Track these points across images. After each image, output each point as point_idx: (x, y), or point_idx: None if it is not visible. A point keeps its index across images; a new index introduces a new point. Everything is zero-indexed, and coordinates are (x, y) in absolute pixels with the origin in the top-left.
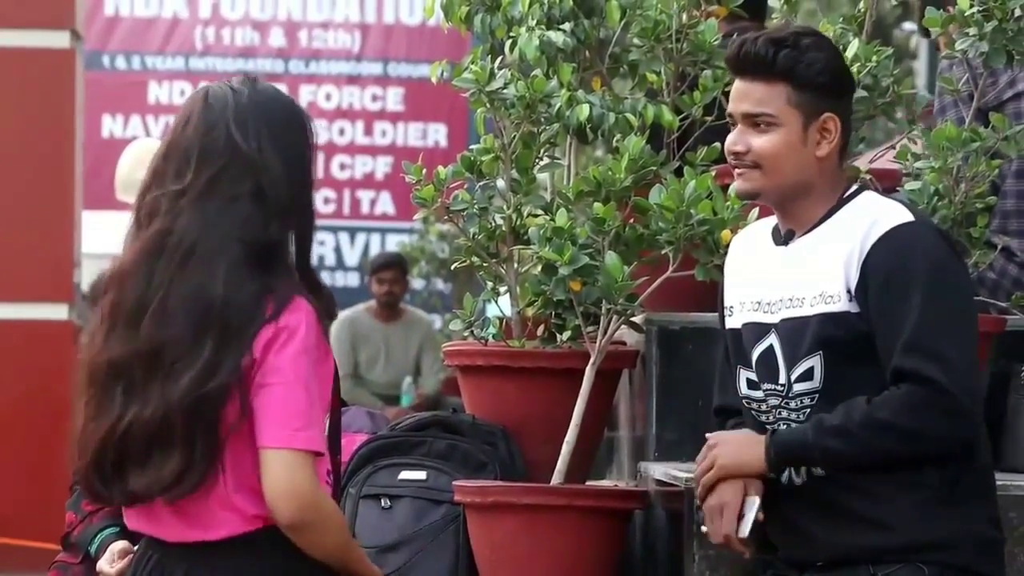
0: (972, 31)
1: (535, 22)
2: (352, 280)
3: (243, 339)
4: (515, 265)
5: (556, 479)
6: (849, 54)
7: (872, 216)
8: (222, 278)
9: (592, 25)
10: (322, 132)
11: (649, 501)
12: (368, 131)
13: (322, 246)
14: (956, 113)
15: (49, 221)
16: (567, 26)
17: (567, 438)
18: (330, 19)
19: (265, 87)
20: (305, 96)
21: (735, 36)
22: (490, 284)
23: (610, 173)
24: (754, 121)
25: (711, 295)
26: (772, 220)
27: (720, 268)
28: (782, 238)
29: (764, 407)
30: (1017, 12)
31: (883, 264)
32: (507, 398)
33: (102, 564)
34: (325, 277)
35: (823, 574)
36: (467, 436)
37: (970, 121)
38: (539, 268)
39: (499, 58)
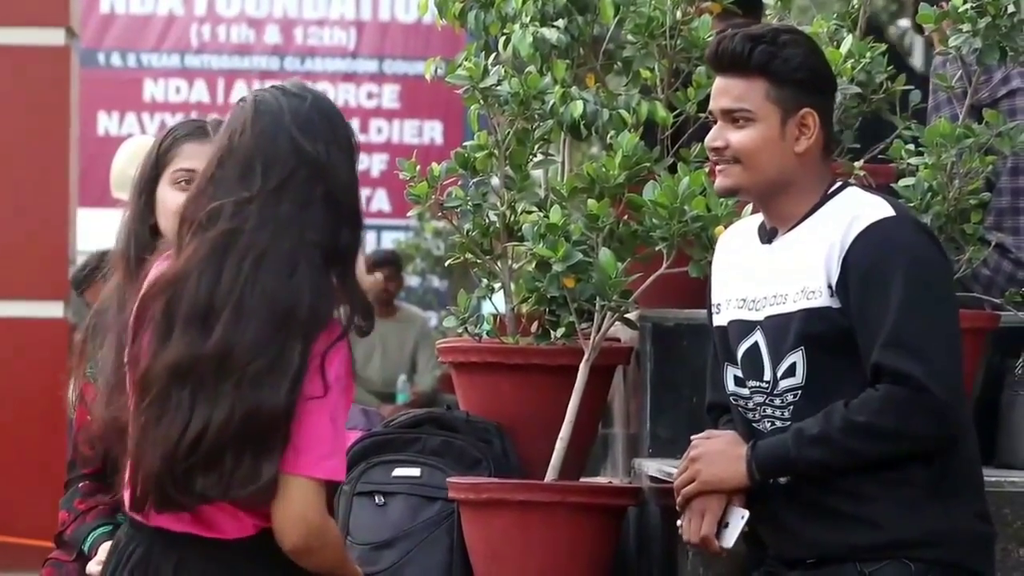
0: (965, 27)
1: (529, 19)
2: None
3: (309, 339)
4: (509, 262)
5: (550, 476)
6: (843, 50)
7: (853, 211)
8: (307, 284)
9: (586, 22)
10: None
11: (643, 498)
12: (364, 128)
13: None
14: (950, 110)
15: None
16: (561, 23)
17: (561, 435)
18: (325, 16)
19: (320, 93)
20: None
21: None
22: (484, 281)
23: (604, 170)
24: (732, 117)
25: (705, 292)
26: (759, 217)
27: (712, 265)
28: (767, 235)
29: (750, 404)
30: (1010, 8)
31: (863, 259)
32: (501, 395)
33: (91, 566)
34: None
35: (813, 571)
36: (461, 433)
37: (964, 118)
38: (533, 265)
39: (493, 55)
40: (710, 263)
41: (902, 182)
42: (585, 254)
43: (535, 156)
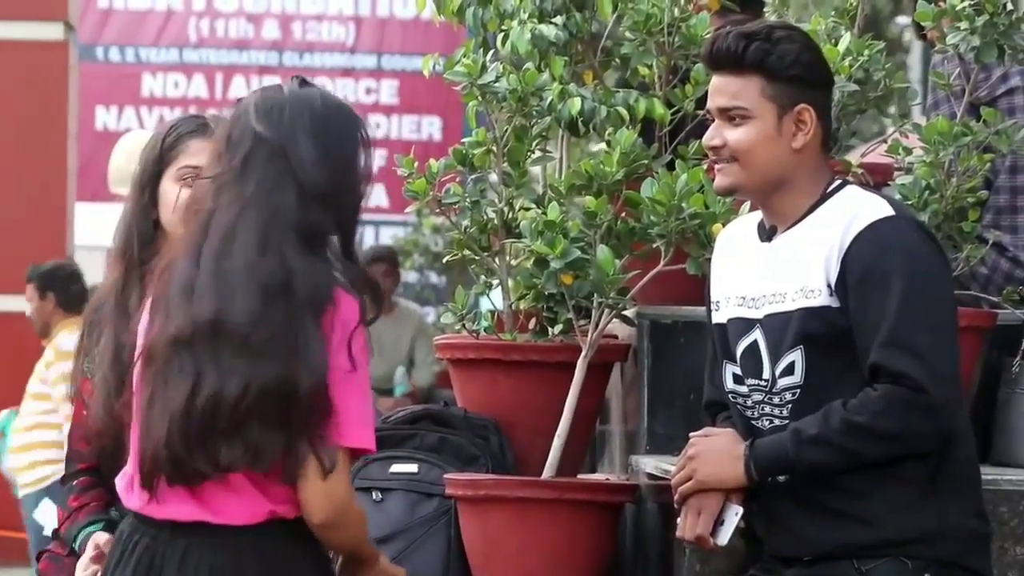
0: (963, 25)
1: (527, 15)
2: None
3: (317, 317)
4: (507, 258)
5: (547, 472)
6: (841, 48)
7: (853, 211)
8: (294, 263)
9: (584, 19)
10: None
11: (640, 494)
12: None
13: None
14: (948, 108)
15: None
16: (559, 20)
17: (558, 431)
18: (324, 12)
19: (311, 87)
20: None
21: None
22: (482, 277)
23: (602, 167)
24: (729, 115)
25: (702, 289)
26: (758, 215)
27: (711, 262)
28: (766, 233)
29: (749, 402)
30: (1008, 6)
31: (862, 259)
32: (499, 391)
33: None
34: None
35: (809, 569)
36: (458, 429)
37: (962, 116)
38: (531, 262)
39: (491, 51)
40: (708, 260)
41: (899, 180)
42: (583, 251)
43: (533, 153)
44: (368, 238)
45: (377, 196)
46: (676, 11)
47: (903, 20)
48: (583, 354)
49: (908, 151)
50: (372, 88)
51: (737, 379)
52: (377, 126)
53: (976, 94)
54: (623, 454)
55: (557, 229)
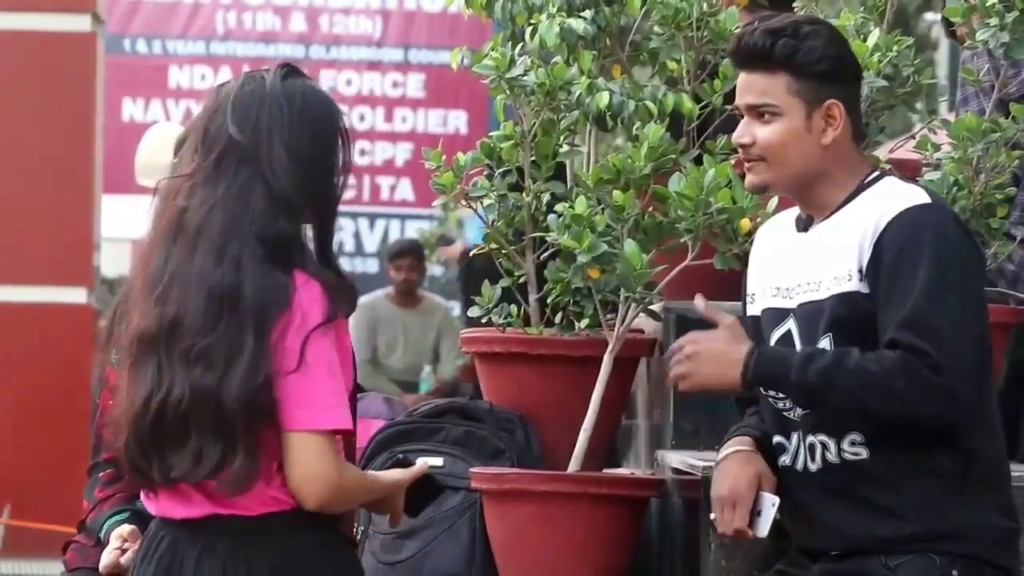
0: (993, 22)
1: (556, 9)
2: (371, 266)
3: (263, 326)
4: (534, 252)
5: (573, 466)
6: (870, 43)
7: (890, 198)
8: (246, 273)
9: (612, 12)
10: None
11: (666, 489)
12: (388, 117)
13: (341, 232)
14: (977, 104)
15: (69, 205)
16: (587, 13)
17: (584, 425)
18: (351, 5)
19: (293, 81)
20: (326, 82)
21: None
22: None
23: (629, 161)
24: (758, 112)
25: (730, 283)
26: (796, 210)
27: (739, 257)
28: (803, 224)
29: (780, 393)
30: None
31: (895, 242)
32: (525, 385)
33: (103, 556)
34: (344, 263)
35: (836, 563)
36: (484, 423)
37: (991, 112)
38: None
39: (519, 45)
40: (735, 255)
41: (927, 176)
42: (610, 245)
43: (561, 147)
44: (394, 231)
45: (403, 190)
46: (705, 5)
47: (932, 16)
48: (609, 348)
49: (936, 147)
50: (399, 82)
51: None
52: (404, 119)
53: (1005, 90)
54: (649, 449)
55: (584, 223)
